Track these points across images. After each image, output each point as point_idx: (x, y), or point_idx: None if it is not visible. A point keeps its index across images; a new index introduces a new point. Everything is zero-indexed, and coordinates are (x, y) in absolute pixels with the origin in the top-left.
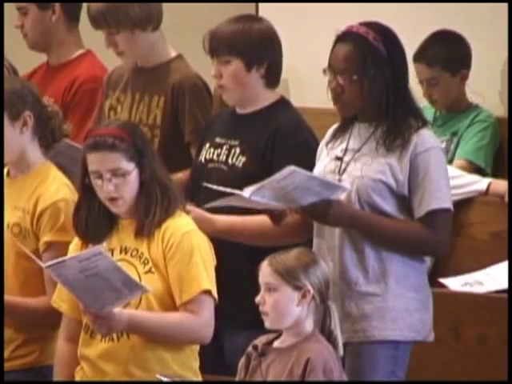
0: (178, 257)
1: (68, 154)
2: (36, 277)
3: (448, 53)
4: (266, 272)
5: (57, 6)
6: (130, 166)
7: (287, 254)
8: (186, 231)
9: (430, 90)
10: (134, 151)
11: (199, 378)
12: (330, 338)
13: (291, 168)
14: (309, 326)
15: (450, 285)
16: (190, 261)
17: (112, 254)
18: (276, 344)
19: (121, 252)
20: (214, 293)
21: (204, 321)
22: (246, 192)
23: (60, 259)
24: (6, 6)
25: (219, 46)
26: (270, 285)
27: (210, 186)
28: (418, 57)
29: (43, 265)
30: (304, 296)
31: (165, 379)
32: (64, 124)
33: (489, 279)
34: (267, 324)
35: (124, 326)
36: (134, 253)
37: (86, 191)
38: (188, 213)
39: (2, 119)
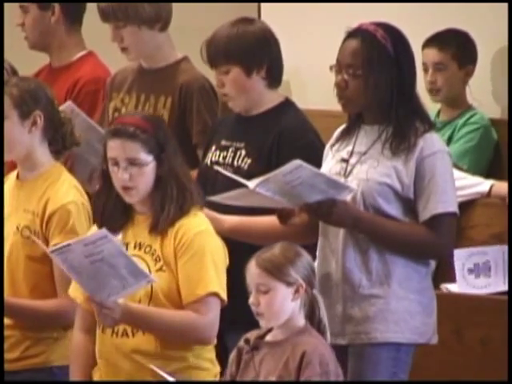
0: (188, 256)
1: (85, 140)
2: (46, 280)
3: (459, 44)
4: (255, 273)
5: (56, 7)
6: (147, 158)
7: (271, 251)
8: (198, 231)
9: (436, 76)
10: (154, 144)
11: (216, 367)
12: (320, 326)
13: (297, 162)
14: (301, 319)
15: (458, 264)
16: (200, 261)
17: (126, 249)
18: (268, 338)
19: (135, 247)
20: (223, 295)
21: (207, 322)
22: (251, 183)
23: (65, 243)
24: (8, 6)
25: (216, 56)
26: (263, 285)
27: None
28: (429, 42)
29: (48, 249)
30: (297, 291)
31: (161, 373)
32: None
33: (501, 263)
34: (263, 324)
35: (127, 319)
36: (148, 249)
37: (105, 179)
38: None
39: (2, 119)
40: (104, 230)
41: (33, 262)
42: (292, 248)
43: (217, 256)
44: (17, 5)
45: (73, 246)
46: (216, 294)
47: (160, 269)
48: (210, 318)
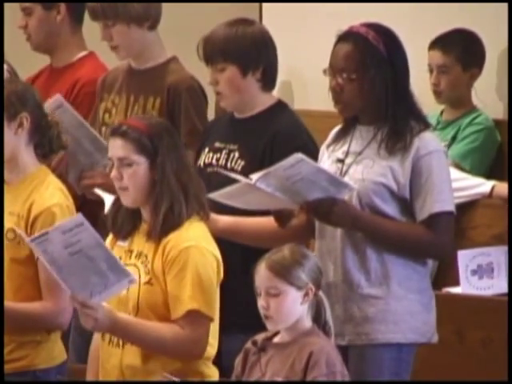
0: (173, 273)
1: (75, 138)
2: (30, 282)
3: (465, 46)
4: (265, 276)
5: (62, 6)
6: (138, 159)
7: (281, 253)
8: (185, 247)
9: (439, 79)
10: (148, 146)
11: (208, 377)
12: (325, 327)
13: (299, 156)
14: (308, 321)
15: (462, 265)
16: (184, 278)
17: (130, 257)
18: (275, 340)
19: (136, 256)
20: (206, 311)
21: (192, 338)
22: (252, 178)
23: (43, 231)
24: (9, 6)
25: (213, 53)
26: (273, 288)
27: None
28: (434, 43)
29: (27, 239)
30: (307, 294)
31: (172, 378)
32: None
33: (503, 264)
34: (271, 327)
35: (110, 325)
36: (144, 259)
37: None
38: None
39: (2, 120)
40: (80, 217)
41: (17, 264)
42: (300, 250)
43: (203, 272)
44: (18, 6)
45: (50, 233)
46: (197, 311)
47: (148, 282)
48: (195, 335)
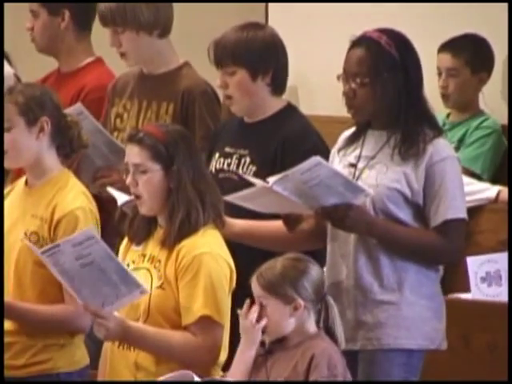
0: (186, 279)
1: (92, 142)
2: (53, 285)
3: (474, 50)
4: (255, 287)
5: (66, 13)
6: (153, 166)
7: (274, 266)
8: (198, 253)
9: (448, 82)
10: (163, 153)
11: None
12: (330, 332)
13: (317, 159)
14: (311, 325)
15: (471, 272)
16: (196, 284)
17: (143, 261)
18: (282, 343)
19: (148, 260)
20: (217, 318)
21: (204, 345)
22: (269, 181)
23: (55, 243)
24: (15, 7)
25: (224, 56)
26: (262, 299)
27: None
28: (443, 47)
29: (39, 251)
30: (295, 309)
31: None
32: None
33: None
34: (265, 338)
35: (122, 333)
36: (157, 264)
37: None
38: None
39: (2, 122)
40: (90, 231)
41: (40, 267)
42: (295, 266)
43: (216, 279)
44: (27, 8)
45: (62, 246)
46: (209, 318)
47: (160, 286)
48: (207, 342)
